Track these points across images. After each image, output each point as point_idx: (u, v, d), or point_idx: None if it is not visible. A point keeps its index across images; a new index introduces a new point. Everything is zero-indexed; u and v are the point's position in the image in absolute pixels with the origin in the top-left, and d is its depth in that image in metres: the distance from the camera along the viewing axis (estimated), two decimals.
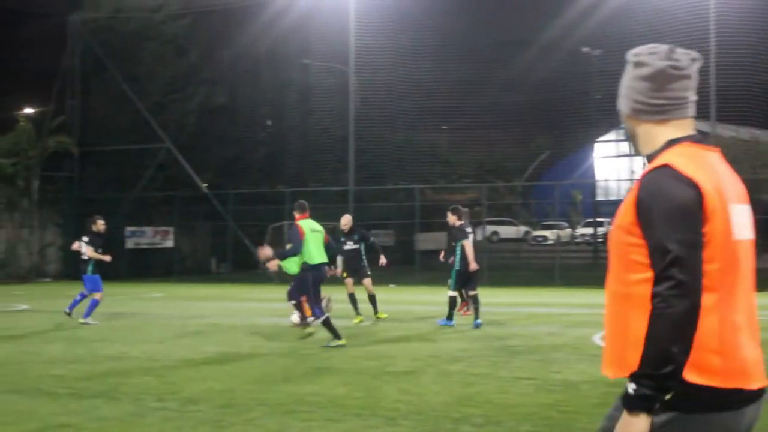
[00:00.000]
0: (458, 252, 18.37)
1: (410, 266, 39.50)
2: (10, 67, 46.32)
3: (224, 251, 44.81)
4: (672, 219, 3.10)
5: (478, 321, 18.08)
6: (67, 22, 46.50)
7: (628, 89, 3.42)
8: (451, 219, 18.76)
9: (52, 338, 16.39)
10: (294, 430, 8.57)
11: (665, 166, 3.18)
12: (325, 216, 37.41)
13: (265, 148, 49.12)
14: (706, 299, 3.08)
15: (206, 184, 45.05)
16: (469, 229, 18.95)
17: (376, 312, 19.90)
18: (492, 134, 47.09)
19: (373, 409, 9.47)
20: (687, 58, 3.36)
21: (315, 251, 14.95)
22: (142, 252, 45.17)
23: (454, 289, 18.79)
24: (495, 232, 51.68)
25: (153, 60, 45.78)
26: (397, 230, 44.45)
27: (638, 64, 3.39)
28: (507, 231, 53.23)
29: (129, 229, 44.89)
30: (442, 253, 20.52)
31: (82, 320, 18.84)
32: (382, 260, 20.40)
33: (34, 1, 44.35)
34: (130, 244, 44.78)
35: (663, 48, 3.38)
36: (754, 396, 3.20)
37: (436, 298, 29.54)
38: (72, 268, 39.95)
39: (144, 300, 28.84)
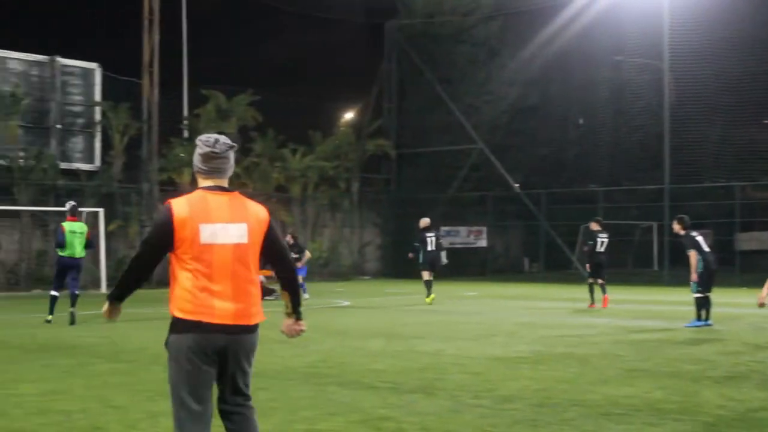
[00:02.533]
0: (699, 256, 18.20)
1: (730, 267, 37.81)
2: (330, 73, 48.47)
3: (536, 251, 44.80)
4: (151, 227, 5.78)
5: (708, 322, 18.32)
6: (384, 28, 48.13)
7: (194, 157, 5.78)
8: (676, 228, 18.77)
9: (372, 334, 16.98)
10: None
11: (167, 202, 5.63)
12: (640, 215, 36.64)
13: (576, 147, 48.62)
14: (185, 274, 5.51)
15: (518, 184, 45.21)
16: (694, 233, 18.39)
17: None
18: None
19: (693, 414, 9.15)
20: (224, 147, 5.71)
21: (69, 246, 19.53)
22: (456, 251, 46.03)
23: (696, 292, 18.33)
24: None
25: (466, 62, 46.46)
26: (715, 229, 42.74)
27: (196, 146, 5.73)
28: None
29: (444, 228, 45.84)
30: None
31: None
32: None
33: (352, 9, 46.21)
34: (444, 243, 45.73)
35: (212, 138, 5.72)
36: (222, 328, 5.49)
37: (756, 300, 28.16)
38: (390, 267, 41.37)
39: (458, 298, 29.33)
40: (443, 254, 26.58)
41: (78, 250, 19.67)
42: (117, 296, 5.90)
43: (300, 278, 27.08)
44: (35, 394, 10.16)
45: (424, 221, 26.57)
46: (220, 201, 5.64)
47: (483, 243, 46.03)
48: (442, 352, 14.12)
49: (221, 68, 43.41)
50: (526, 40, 45.29)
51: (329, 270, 43.18)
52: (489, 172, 45.14)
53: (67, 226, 19.70)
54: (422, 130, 46.77)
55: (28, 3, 37.50)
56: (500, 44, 46.72)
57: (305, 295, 27.21)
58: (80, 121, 37.36)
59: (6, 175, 33.90)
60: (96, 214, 34.25)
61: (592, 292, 23.82)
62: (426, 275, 26.07)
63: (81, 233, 19.73)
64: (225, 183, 5.76)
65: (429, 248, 26.05)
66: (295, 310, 6.01)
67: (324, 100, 46.07)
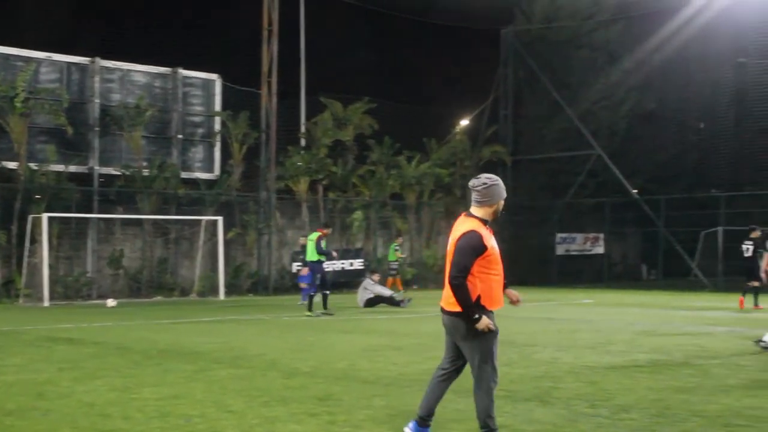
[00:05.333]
0: None
1: None
2: (446, 80, 48.52)
3: (655, 258, 44.06)
4: None
5: None
6: (501, 35, 47.93)
7: None
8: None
9: None
10: None
11: None
12: (765, 221, 35.66)
13: (697, 152, 47.68)
14: None
15: (636, 190, 44.54)
16: None
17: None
18: None
19: None
20: (474, 182, 7.78)
21: (308, 251, 24.59)
22: (572, 258, 45.56)
23: None
24: None
25: (584, 68, 45.95)
26: None
27: None
28: None
29: (560, 235, 45.43)
30: None
31: None
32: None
33: (469, 17, 46.16)
34: (560, 250, 45.32)
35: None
36: (442, 311, 7.83)
37: None
38: (507, 274, 41.07)
39: (574, 306, 29.02)
40: None
41: (308, 254, 24.45)
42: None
43: (305, 284, 28.99)
44: (156, 399, 10.41)
45: None
46: (458, 222, 7.85)
47: (600, 250, 45.48)
48: (557, 360, 14.00)
49: (339, 77, 43.86)
50: (645, 43, 44.61)
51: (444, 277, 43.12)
52: (607, 179, 44.56)
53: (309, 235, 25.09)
54: (539, 137, 46.46)
55: (150, 17, 38.49)
56: (620, 48, 46.09)
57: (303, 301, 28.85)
58: (200, 131, 38.14)
59: (130, 184, 34.84)
60: (215, 222, 34.93)
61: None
62: None
63: (311, 240, 24.32)
64: (476, 210, 7.78)
65: None
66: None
67: (440, 107, 46.10)
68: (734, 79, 46.11)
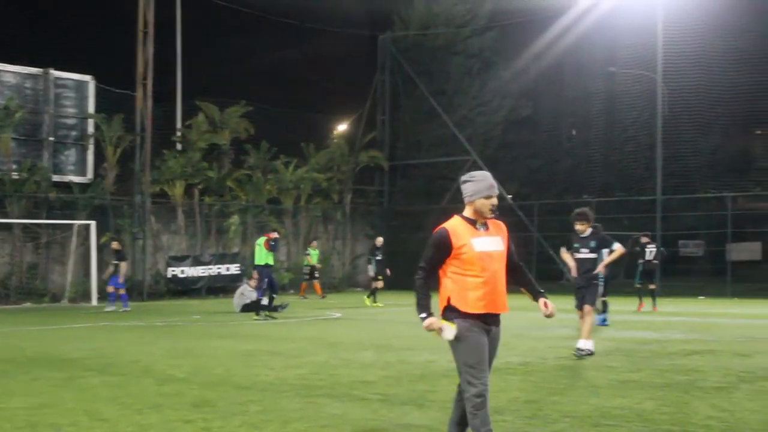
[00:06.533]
0: None
1: (721, 278, 37.95)
2: (323, 85, 48.54)
3: (529, 262, 44.79)
4: None
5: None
6: (378, 41, 48.14)
7: None
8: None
9: (364, 346, 16.97)
10: None
11: None
12: (632, 226, 36.75)
13: (569, 158, 48.69)
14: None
15: (511, 195, 45.25)
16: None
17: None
18: None
19: (684, 425, 9.16)
20: (461, 180, 7.53)
21: (256, 256, 24.98)
22: None
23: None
24: None
25: (460, 74, 46.46)
26: (707, 240, 42.92)
27: None
28: None
29: None
30: None
31: None
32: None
33: (346, 23, 46.33)
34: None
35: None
36: (496, 316, 7.68)
37: (747, 310, 28.25)
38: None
39: None
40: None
41: (256, 258, 24.87)
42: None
43: (121, 290, 28.77)
44: (25, 408, 10.14)
45: (380, 240, 32.80)
46: None
47: None
48: (433, 363, 14.12)
49: (215, 80, 43.48)
50: (520, 51, 45.35)
51: (321, 282, 43.10)
52: None
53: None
54: (415, 142, 46.78)
55: (21, 16, 37.54)
56: (495, 56, 46.74)
57: (125, 308, 28.37)
58: (73, 133, 37.26)
59: None
60: (88, 226, 34.20)
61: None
62: (380, 284, 31.70)
63: (259, 244, 24.86)
64: (465, 209, 7.57)
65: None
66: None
67: (317, 112, 46.07)
68: (605, 87, 47.20)
